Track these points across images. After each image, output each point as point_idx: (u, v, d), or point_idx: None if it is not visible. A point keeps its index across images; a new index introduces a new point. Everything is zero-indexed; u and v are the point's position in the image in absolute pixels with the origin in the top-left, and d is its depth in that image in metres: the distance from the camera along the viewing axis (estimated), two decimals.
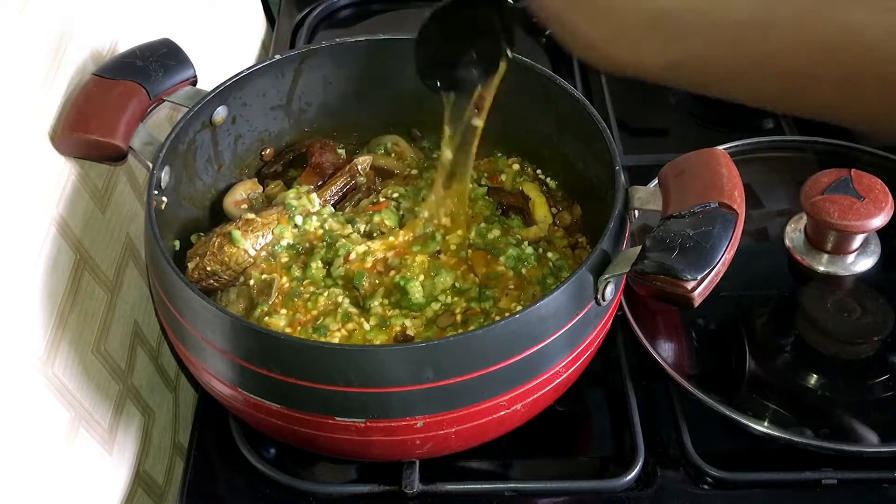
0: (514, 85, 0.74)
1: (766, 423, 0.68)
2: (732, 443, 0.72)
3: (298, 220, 0.72)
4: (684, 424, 0.70)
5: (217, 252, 0.68)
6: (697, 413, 0.70)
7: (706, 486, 0.68)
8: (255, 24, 1.16)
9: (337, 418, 0.56)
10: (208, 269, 0.68)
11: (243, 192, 0.76)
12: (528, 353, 0.55)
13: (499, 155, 0.80)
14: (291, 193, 0.74)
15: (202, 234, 0.73)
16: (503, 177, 0.78)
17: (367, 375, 0.54)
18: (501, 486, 0.68)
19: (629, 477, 0.67)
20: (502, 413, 0.58)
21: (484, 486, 0.68)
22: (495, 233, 0.71)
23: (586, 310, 0.58)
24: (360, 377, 0.54)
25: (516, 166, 0.79)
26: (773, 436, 0.68)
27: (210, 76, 0.74)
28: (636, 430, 0.70)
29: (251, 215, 0.71)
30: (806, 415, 0.71)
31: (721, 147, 0.83)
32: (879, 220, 0.73)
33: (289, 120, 0.79)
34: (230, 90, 0.72)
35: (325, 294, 0.66)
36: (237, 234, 0.69)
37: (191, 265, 0.69)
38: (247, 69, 0.72)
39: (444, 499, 0.68)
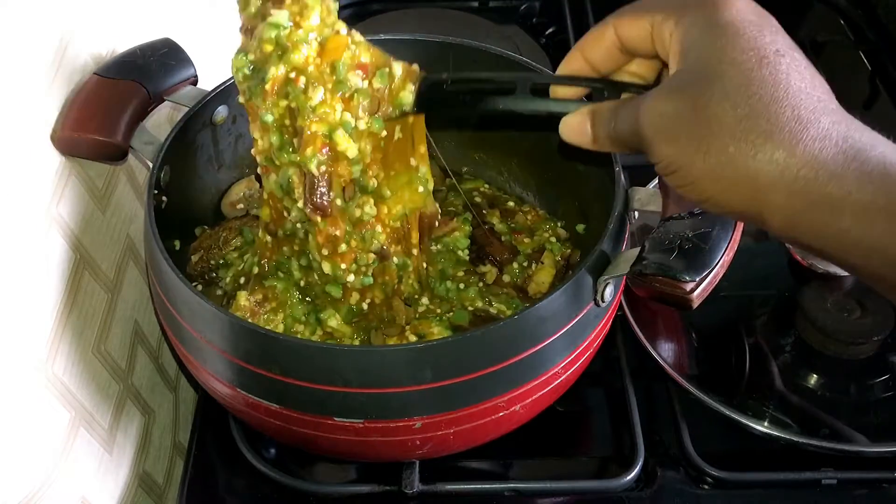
0: None
1: (766, 423, 0.69)
2: (732, 443, 0.72)
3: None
4: (684, 424, 0.71)
5: (222, 246, 0.70)
6: (697, 413, 0.70)
7: (706, 486, 0.68)
8: None
9: (335, 419, 0.56)
10: (212, 262, 0.69)
11: (239, 192, 0.76)
12: (526, 354, 0.55)
13: (556, 223, 0.76)
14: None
15: (206, 227, 0.73)
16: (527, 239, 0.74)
17: (366, 376, 0.54)
18: (501, 486, 0.68)
19: (629, 477, 0.67)
20: (501, 414, 0.58)
21: (484, 486, 0.69)
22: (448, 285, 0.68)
23: (585, 311, 0.57)
24: (358, 378, 0.54)
25: (554, 239, 0.74)
26: (773, 436, 0.68)
27: (210, 76, 0.74)
28: (636, 430, 0.70)
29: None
30: (806, 415, 0.71)
31: None
32: None
33: None
34: (231, 90, 0.72)
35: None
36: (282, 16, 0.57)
37: (194, 258, 0.70)
38: None
39: (444, 499, 0.68)
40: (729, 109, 0.39)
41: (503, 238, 0.73)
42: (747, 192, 0.39)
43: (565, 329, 0.57)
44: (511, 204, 0.78)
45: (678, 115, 0.40)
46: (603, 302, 0.58)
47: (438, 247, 0.71)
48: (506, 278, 0.71)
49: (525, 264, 0.71)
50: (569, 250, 0.73)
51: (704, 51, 0.41)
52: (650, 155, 0.42)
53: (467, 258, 0.71)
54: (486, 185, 0.80)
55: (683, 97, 0.41)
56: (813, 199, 0.38)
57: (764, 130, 0.38)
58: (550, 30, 1.18)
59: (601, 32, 0.47)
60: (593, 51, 0.48)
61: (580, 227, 0.74)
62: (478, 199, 0.78)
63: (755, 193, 0.39)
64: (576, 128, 0.47)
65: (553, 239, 0.74)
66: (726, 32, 0.40)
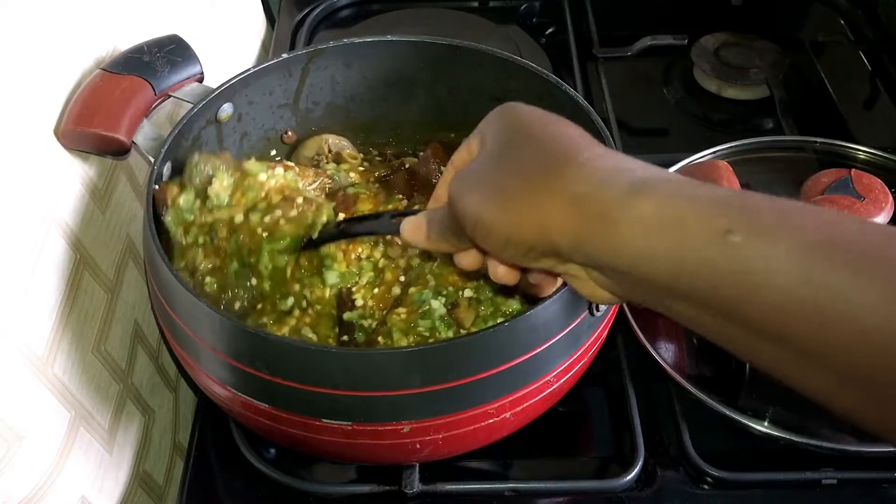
0: (513, 86, 0.74)
1: (766, 423, 0.68)
2: (732, 443, 0.72)
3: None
4: (684, 424, 0.70)
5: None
6: (697, 413, 0.70)
7: (706, 486, 0.68)
8: (255, 24, 1.16)
9: (323, 420, 0.56)
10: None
11: (313, 148, 0.77)
12: (516, 361, 0.54)
13: None
14: (331, 167, 0.73)
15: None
16: None
17: (353, 378, 0.53)
18: (501, 486, 0.68)
19: (629, 477, 0.67)
20: (491, 421, 0.57)
21: (484, 486, 0.68)
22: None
23: (578, 321, 0.57)
24: (345, 380, 0.53)
25: None
26: (773, 436, 0.68)
27: (210, 75, 0.74)
28: (636, 430, 0.70)
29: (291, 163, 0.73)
30: (806, 415, 0.71)
31: (721, 147, 0.83)
32: (879, 220, 0.73)
33: (295, 119, 0.79)
34: (236, 88, 0.72)
35: None
36: (251, 164, 0.66)
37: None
38: (254, 67, 0.72)
39: (444, 499, 0.68)
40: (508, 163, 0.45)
41: None
42: (535, 221, 0.43)
43: (557, 338, 0.56)
44: None
45: (475, 176, 0.46)
46: (597, 312, 0.57)
47: None
48: None
49: None
50: None
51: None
52: (462, 219, 0.46)
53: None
54: None
55: (479, 165, 0.47)
56: (589, 211, 0.41)
57: (541, 167, 0.44)
58: (550, 30, 1.18)
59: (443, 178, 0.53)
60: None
61: None
62: None
63: (541, 219, 0.43)
64: (412, 228, 0.52)
65: None
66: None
